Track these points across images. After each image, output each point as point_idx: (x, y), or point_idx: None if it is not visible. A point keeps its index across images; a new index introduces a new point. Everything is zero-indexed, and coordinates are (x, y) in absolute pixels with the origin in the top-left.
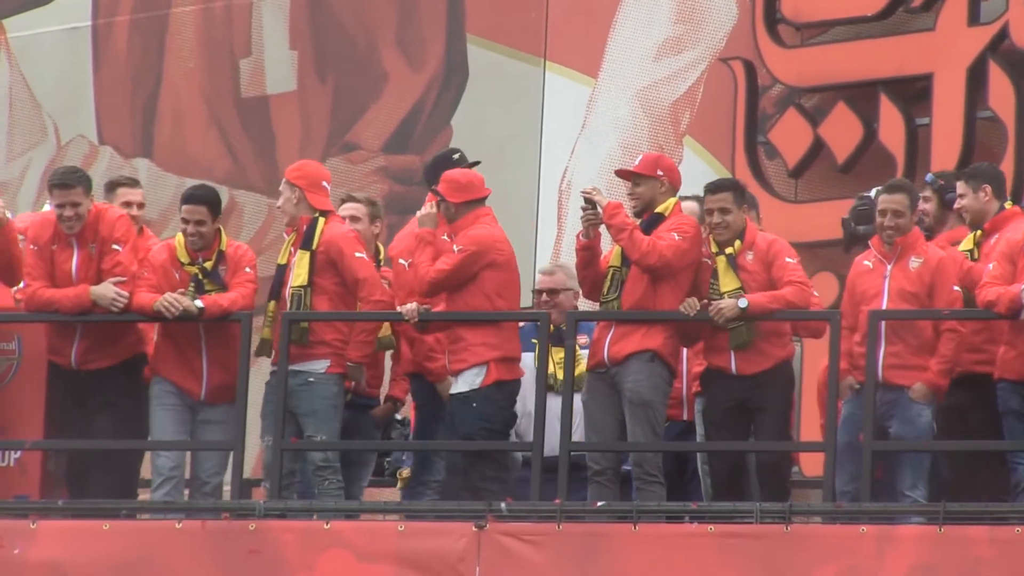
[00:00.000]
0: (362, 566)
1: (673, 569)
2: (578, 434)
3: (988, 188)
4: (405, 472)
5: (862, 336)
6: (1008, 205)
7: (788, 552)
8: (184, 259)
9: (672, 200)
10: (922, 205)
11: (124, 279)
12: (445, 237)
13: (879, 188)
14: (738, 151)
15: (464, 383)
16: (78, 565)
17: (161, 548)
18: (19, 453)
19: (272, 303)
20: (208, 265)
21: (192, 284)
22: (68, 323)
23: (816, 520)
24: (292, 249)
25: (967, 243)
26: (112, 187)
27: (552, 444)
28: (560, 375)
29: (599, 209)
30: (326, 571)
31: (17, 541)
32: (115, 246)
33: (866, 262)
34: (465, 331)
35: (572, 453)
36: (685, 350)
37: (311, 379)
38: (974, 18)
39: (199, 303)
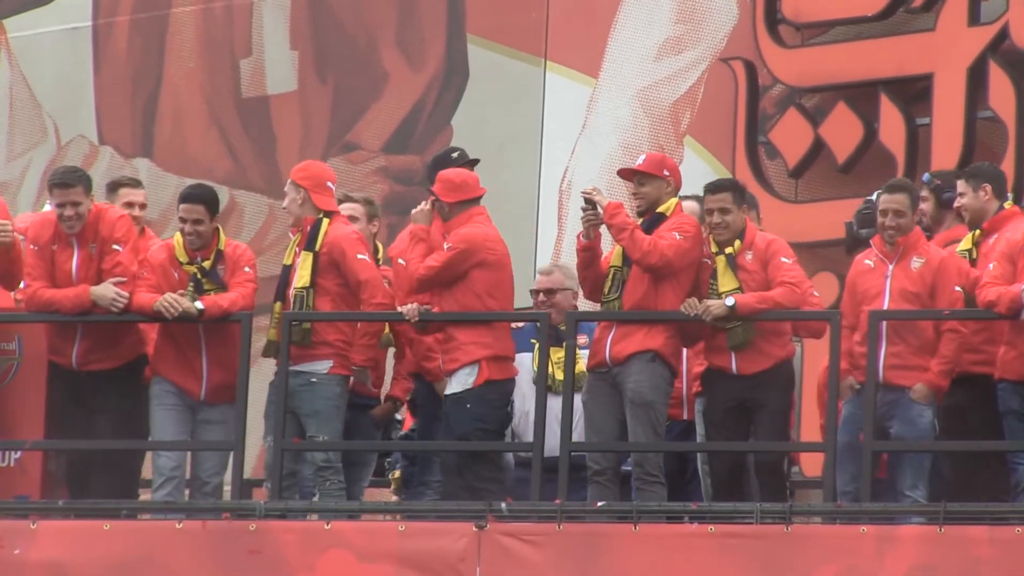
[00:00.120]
0: (362, 566)
1: (673, 569)
2: (577, 433)
3: (988, 187)
4: (396, 473)
5: (862, 336)
6: (1008, 205)
7: (788, 552)
8: (183, 258)
9: (673, 200)
10: (919, 205)
11: (124, 279)
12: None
13: (881, 190)
14: (738, 151)
15: (457, 383)
16: (78, 565)
17: (161, 548)
18: (19, 453)
19: (278, 304)
20: (207, 264)
21: (191, 283)
22: (69, 323)
23: (816, 520)
24: (296, 250)
25: (966, 243)
26: (114, 187)
27: (550, 444)
28: (558, 375)
29: (599, 209)
30: (326, 571)
31: (17, 541)
32: (115, 246)
33: (867, 261)
34: (457, 330)
35: (572, 453)
36: (685, 350)
37: (313, 379)
38: (974, 18)
39: (199, 304)
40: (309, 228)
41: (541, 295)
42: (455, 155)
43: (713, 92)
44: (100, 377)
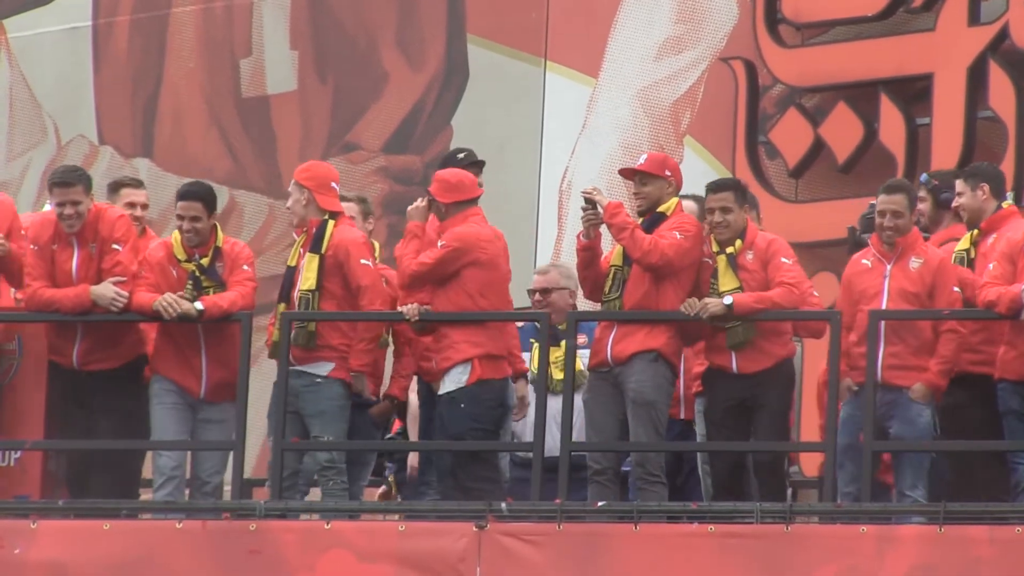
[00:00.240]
0: (363, 566)
1: (673, 569)
2: (576, 431)
3: (986, 187)
4: (389, 478)
5: (859, 336)
6: (1006, 204)
7: (788, 552)
8: (181, 256)
9: (674, 200)
10: (917, 205)
11: (124, 279)
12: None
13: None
14: (739, 151)
15: (451, 382)
16: (78, 565)
17: (161, 548)
18: (19, 453)
19: (282, 305)
20: (205, 262)
21: (190, 281)
22: (69, 323)
23: (816, 520)
24: (301, 250)
25: (964, 242)
26: (116, 187)
27: (548, 444)
28: (555, 375)
29: (600, 209)
30: (326, 571)
31: (17, 541)
32: (115, 246)
33: (864, 261)
34: (450, 329)
35: (572, 453)
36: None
37: (318, 380)
38: (974, 18)
39: (199, 305)
40: (315, 230)
41: (537, 295)
42: (461, 156)
43: (713, 92)
44: (100, 377)
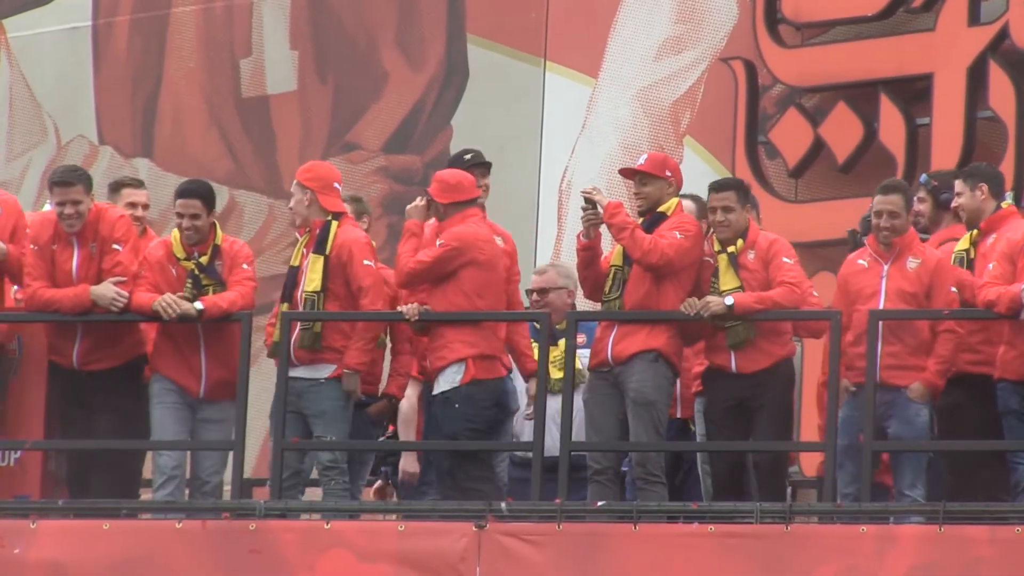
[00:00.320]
0: (363, 566)
1: (673, 569)
2: (575, 426)
3: (985, 187)
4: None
5: (855, 335)
6: (1005, 204)
7: (788, 552)
8: (180, 254)
9: (674, 200)
10: (917, 206)
11: (124, 279)
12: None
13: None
14: (738, 151)
15: (445, 382)
16: (78, 565)
17: (161, 548)
18: (19, 453)
19: (285, 305)
20: (204, 260)
21: (189, 280)
22: (69, 323)
23: (816, 520)
24: (304, 251)
25: (963, 242)
26: (117, 187)
27: (548, 444)
28: (553, 374)
29: (599, 209)
30: (326, 571)
31: (17, 541)
32: (115, 246)
33: (860, 261)
34: (444, 328)
35: (572, 453)
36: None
37: (321, 380)
38: (974, 18)
39: (199, 305)
40: (318, 231)
41: (535, 295)
42: (468, 156)
43: (713, 92)
44: (100, 377)
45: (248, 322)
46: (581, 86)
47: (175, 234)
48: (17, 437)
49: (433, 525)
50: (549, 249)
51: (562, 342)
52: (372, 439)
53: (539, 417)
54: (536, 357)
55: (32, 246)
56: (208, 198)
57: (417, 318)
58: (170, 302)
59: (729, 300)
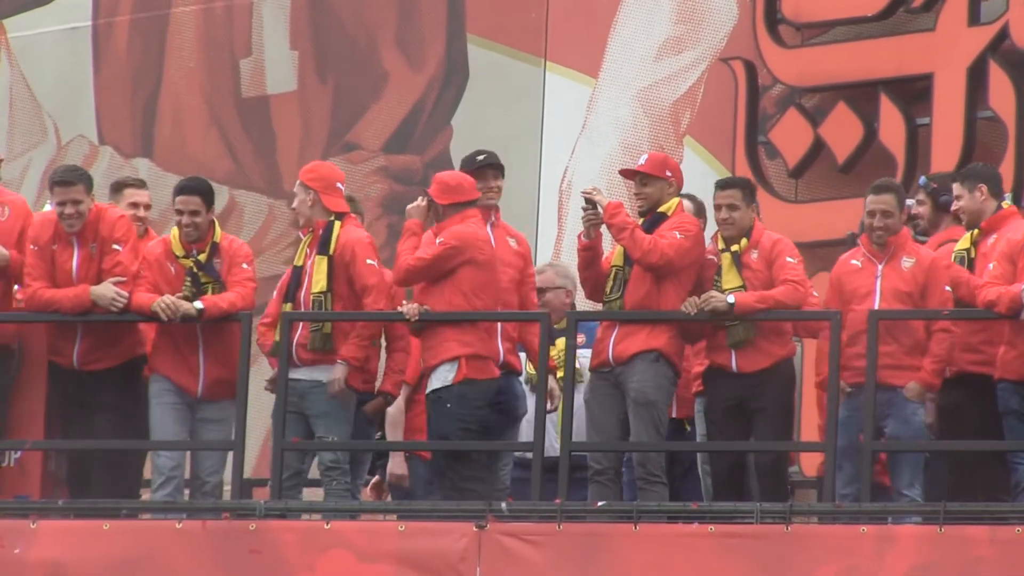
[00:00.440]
0: (362, 566)
1: (673, 569)
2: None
3: (984, 187)
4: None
5: (849, 336)
6: (1005, 204)
7: (788, 552)
8: (179, 252)
9: (675, 200)
10: (916, 208)
11: (124, 279)
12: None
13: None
14: (738, 151)
15: (437, 380)
16: (78, 565)
17: (161, 548)
18: (19, 453)
19: (288, 305)
20: (202, 258)
21: (187, 277)
22: (69, 323)
23: (816, 520)
24: (308, 251)
25: (964, 242)
26: (119, 188)
27: (548, 444)
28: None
29: (599, 209)
30: (326, 571)
31: (17, 541)
32: (115, 246)
33: (853, 261)
34: (440, 327)
35: (572, 453)
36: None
37: (324, 381)
38: (974, 18)
39: (199, 304)
40: (321, 231)
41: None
42: (481, 157)
43: (713, 92)
44: (100, 377)
45: (248, 322)
46: (581, 86)
47: (174, 232)
48: (17, 437)
49: (433, 525)
50: (549, 249)
51: (560, 341)
52: (369, 437)
53: (539, 417)
54: (551, 355)
55: (32, 246)
56: (207, 195)
57: (417, 318)
58: (169, 303)
59: (731, 298)
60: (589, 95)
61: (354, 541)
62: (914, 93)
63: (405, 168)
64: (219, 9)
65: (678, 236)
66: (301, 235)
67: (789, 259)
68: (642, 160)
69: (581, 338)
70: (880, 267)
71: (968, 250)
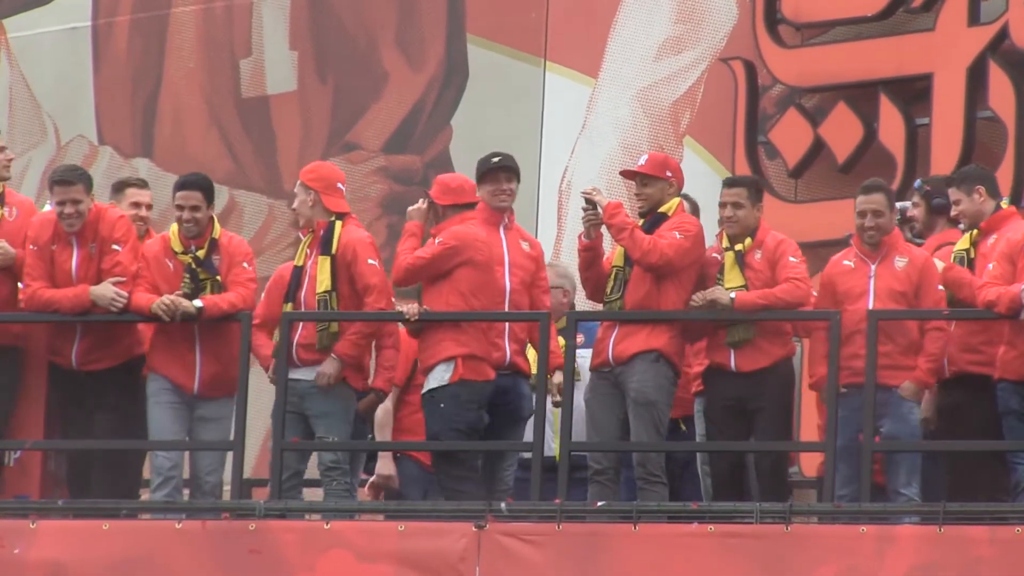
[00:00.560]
0: (362, 566)
1: (673, 569)
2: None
3: (981, 189)
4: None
5: (843, 336)
6: (1004, 204)
7: (788, 552)
8: (177, 248)
9: (675, 200)
10: (911, 211)
11: (123, 279)
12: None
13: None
14: (738, 151)
15: (433, 379)
16: (78, 565)
17: (161, 548)
18: (19, 453)
19: (289, 305)
20: (201, 254)
21: (186, 274)
22: (68, 323)
23: (815, 520)
24: (309, 251)
25: (963, 243)
26: (120, 187)
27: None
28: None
29: (599, 209)
30: (326, 571)
31: (17, 541)
32: (115, 246)
33: (846, 262)
34: (438, 327)
35: (572, 453)
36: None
37: None
38: (974, 18)
39: (198, 303)
40: (322, 232)
41: None
42: (496, 160)
43: (713, 92)
44: (100, 377)
45: (248, 322)
46: (581, 86)
47: (173, 228)
48: (17, 437)
49: (433, 525)
50: (549, 249)
51: (559, 340)
52: (363, 435)
53: (539, 417)
54: (562, 352)
55: (31, 246)
56: (208, 190)
57: (417, 318)
58: (169, 303)
59: (731, 295)
60: (589, 95)
61: (354, 541)
62: (914, 93)
63: (405, 168)
64: (219, 9)
65: (678, 236)
66: (301, 235)
67: (792, 259)
68: (642, 160)
69: (580, 338)
70: (873, 267)
71: (968, 250)
